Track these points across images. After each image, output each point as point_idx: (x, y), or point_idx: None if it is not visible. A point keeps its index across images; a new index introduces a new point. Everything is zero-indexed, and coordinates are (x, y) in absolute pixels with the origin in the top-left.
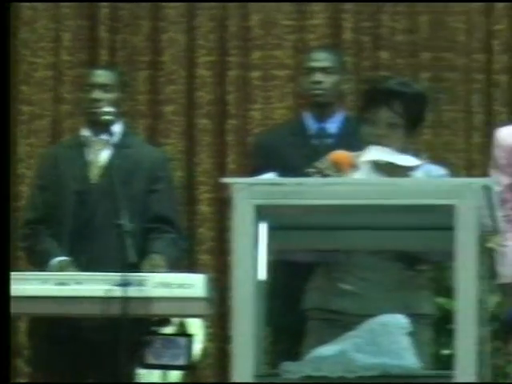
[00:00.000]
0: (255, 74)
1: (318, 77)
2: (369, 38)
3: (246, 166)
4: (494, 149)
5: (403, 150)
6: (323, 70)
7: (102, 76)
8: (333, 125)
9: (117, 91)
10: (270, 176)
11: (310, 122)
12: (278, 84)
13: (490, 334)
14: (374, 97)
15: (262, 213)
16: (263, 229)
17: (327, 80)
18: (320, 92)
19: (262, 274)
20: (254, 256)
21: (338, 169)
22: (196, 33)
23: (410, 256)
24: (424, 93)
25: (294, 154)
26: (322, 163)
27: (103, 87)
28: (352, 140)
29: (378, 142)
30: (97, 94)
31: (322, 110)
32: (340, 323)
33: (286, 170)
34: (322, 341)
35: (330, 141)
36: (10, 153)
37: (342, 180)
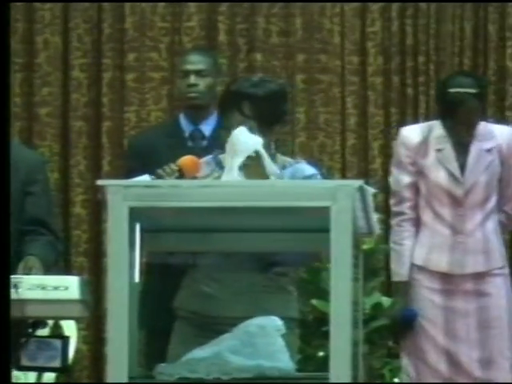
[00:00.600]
0: (130, 75)
1: (193, 79)
2: (244, 40)
3: (121, 168)
4: (398, 147)
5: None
6: (198, 72)
7: None
8: (207, 127)
9: None
10: (144, 178)
11: (185, 124)
12: (154, 86)
13: (367, 335)
14: (225, 101)
15: (136, 215)
16: (137, 231)
17: (202, 82)
18: (195, 95)
19: (137, 276)
20: (130, 258)
21: (182, 174)
22: (71, 34)
23: (268, 259)
24: (276, 90)
25: (169, 155)
26: (166, 168)
27: None
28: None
29: None
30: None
31: (197, 112)
32: (197, 323)
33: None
34: (186, 341)
35: (204, 143)
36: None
37: (217, 182)
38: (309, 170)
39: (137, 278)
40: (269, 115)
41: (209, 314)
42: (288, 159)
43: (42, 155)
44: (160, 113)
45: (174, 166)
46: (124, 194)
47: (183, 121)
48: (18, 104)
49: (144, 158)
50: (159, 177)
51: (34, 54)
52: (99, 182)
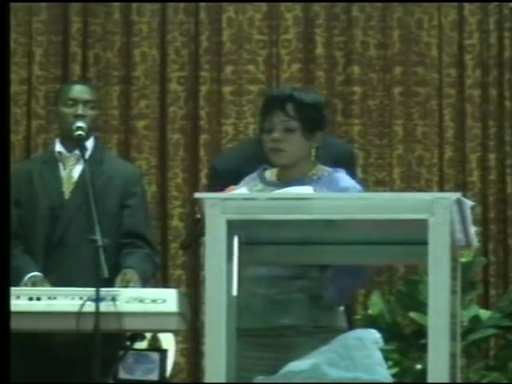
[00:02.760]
0: (228, 88)
1: None
2: (341, 53)
3: None
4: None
5: (302, 154)
6: None
7: (85, 92)
8: None
9: (98, 108)
10: (242, 190)
11: None
12: (251, 99)
13: (464, 348)
14: (268, 104)
15: (234, 227)
16: (235, 243)
17: None
18: None
19: (234, 288)
20: (227, 271)
21: None
22: (168, 47)
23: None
24: (317, 98)
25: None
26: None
27: (87, 103)
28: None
29: (276, 146)
30: (81, 110)
31: None
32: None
33: None
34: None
35: None
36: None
37: (314, 195)
38: (345, 181)
39: (235, 291)
40: (312, 120)
41: (253, 326)
42: (327, 169)
43: (139, 168)
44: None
45: None
46: (222, 207)
47: None
48: (116, 117)
49: (229, 182)
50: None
51: (131, 67)
52: (197, 195)
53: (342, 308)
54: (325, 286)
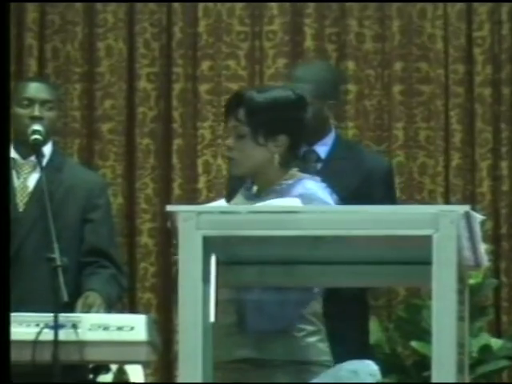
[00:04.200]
0: (204, 86)
1: None
2: (333, 46)
3: (193, 192)
4: None
5: (258, 162)
6: None
7: (42, 91)
8: (323, 148)
9: (57, 109)
10: (220, 203)
11: None
12: None
13: (473, 382)
14: (226, 109)
15: (211, 245)
16: (213, 263)
17: None
18: None
19: (212, 314)
20: (204, 294)
21: None
22: (137, 40)
23: None
24: (276, 97)
25: None
26: None
27: (44, 103)
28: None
29: (228, 155)
30: (38, 111)
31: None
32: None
33: None
34: None
35: (318, 166)
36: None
37: (303, 208)
38: (303, 187)
39: (212, 317)
40: (266, 123)
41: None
42: (299, 174)
43: (103, 177)
44: None
45: None
46: (197, 222)
47: None
48: (77, 119)
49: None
50: None
51: (94, 63)
52: (169, 208)
53: (316, 338)
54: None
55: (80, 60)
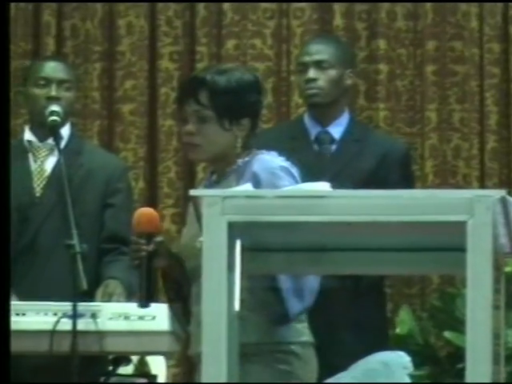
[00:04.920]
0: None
1: (312, 73)
2: (364, 25)
3: None
4: None
5: (223, 147)
6: (317, 64)
7: (60, 70)
8: (337, 128)
9: (74, 89)
10: (246, 187)
11: (311, 125)
12: None
13: (509, 374)
14: (181, 91)
15: (236, 231)
16: (238, 250)
17: (323, 76)
18: (314, 91)
19: (237, 303)
20: (228, 282)
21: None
22: (159, 17)
23: None
24: (239, 80)
25: (291, 161)
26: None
27: (61, 83)
28: (358, 147)
29: (189, 140)
30: (56, 91)
31: (325, 111)
32: None
33: None
34: None
35: (333, 147)
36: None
37: (332, 193)
38: (262, 163)
39: (237, 306)
40: (231, 107)
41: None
42: (253, 151)
43: (124, 161)
44: (264, 110)
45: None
46: (222, 207)
47: (308, 121)
48: (97, 100)
49: None
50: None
51: (115, 41)
52: (192, 193)
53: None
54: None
55: (100, 38)
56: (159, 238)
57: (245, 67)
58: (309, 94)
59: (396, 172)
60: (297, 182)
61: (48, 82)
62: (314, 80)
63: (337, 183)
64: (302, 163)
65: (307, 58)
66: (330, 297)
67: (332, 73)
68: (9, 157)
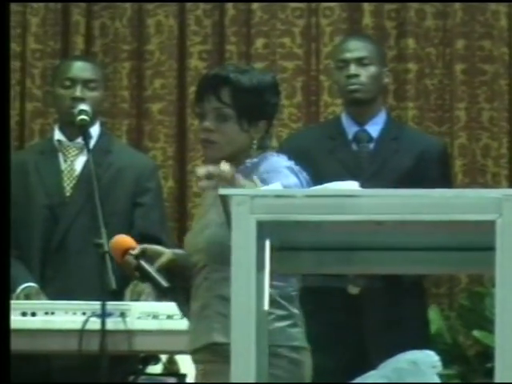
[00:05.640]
0: (257, 65)
1: (354, 69)
2: (393, 24)
3: None
4: None
5: (239, 147)
6: (359, 60)
7: (85, 70)
8: (375, 127)
9: (101, 88)
10: (276, 186)
11: (348, 124)
12: (285, 77)
13: None
14: (201, 87)
15: (265, 230)
16: (267, 249)
17: (364, 72)
18: (357, 87)
19: (266, 302)
20: (257, 282)
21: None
22: (188, 17)
23: None
24: (261, 81)
25: (329, 160)
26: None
27: (86, 83)
28: (395, 145)
29: (207, 137)
30: (80, 92)
31: (362, 109)
32: None
33: (320, 178)
34: None
35: (370, 146)
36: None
37: (362, 192)
38: (268, 164)
39: (266, 305)
40: (251, 107)
41: None
42: (265, 153)
43: (153, 160)
44: (293, 109)
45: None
46: (251, 206)
47: (346, 120)
48: (126, 99)
49: (299, 162)
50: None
51: (144, 40)
52: (221, 192)
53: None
54: None
55: (129, 37)
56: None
57: (266, 69)
58: (350, 89)
59: (434, 169)
60: (302, 185)
61: (73, 82)
62: (355, 76)
63: (375, 182)
64: (340, 162)
65: (348, 55)
66: (372, 296)
67: (372, 69)
68: (9, 157)
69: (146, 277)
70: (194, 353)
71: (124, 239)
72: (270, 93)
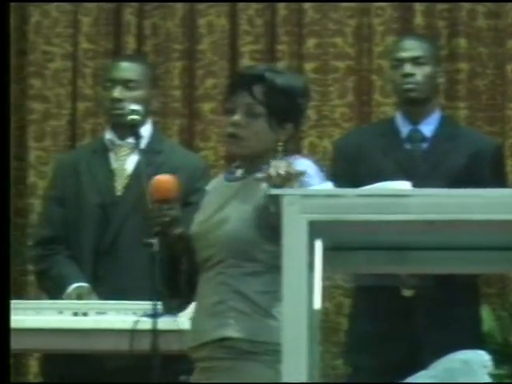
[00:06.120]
0: (310, 65)
1: (409, 68)
2: (445, 23)
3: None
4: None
5: (265, 147)
6: (414, 60)
7: (126, 70)
8: (428, 126)
9: (144, 88)
10: (327, 186)
11: (402, 123)
12: (338, 77)
13: None
14: (235, 82)
15: (316, 230)
16: (319, 249)
17: (419, 72)
18: (412, 86)
19: (318, 302)
20: (309, 281)
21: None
22: (240, 16)
23: None
24: (294, 83)
25: (382, 159)
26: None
27: (126, 83)
28: (449, 145)
29: (235, 132)
30: (118, 93)
31: (416, 108)
32: None
33: (373, 177)
34: None
35: (424, 145)
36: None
37: (413, 191)
38: (298, 162)
39: (318, 305)
40: (283, 108)
41: None
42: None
43: (204, 160)
44: (345, 109)
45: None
46: (302, 206)
47: (399, 119)
48: (178, 98)
49: (352, 161)
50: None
51: (195, 40)
52: (272, 191)
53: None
54: None
55: (180, 37)
56: (175, 209)
57: (299, 73)
58: (406, 88)
59: (488, 169)
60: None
61: (113, 83)
62: (411, 75)
63: (429, 182)
64: (394, 162)
65: (404, 54)
66: (424, 295)
67: (427, 69)
68: (9, 156)
69: (161, 243)
70: (198, 348)
71: (167, 184)
72: (301, 96)
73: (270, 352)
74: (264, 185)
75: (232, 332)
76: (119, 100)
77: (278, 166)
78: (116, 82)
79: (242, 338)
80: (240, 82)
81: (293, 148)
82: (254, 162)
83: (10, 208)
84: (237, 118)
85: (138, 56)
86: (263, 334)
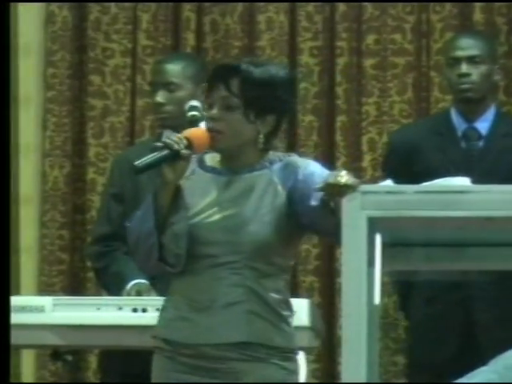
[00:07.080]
0: (369, 61)
1: (465, 68)
2: (504, 20)
3: (357, 171)
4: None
5: (244, 139)
6: (470, 59)
7: (165, 73)
8: (484, 124)
9: (185, 88)
10: (387, 183)
11: (458, 121)
12: (397, 73)
13: None
14: (212, 76)
15: (376, 226)
16: (378, 245)
17: (475, 71)
18: (468, 86)
19: (377, 298)
20: (369, 277)
21: (191, 147)
22: (299, 13)
23: None
24: (275, 74)
25: (437, 157)
26: (172, 137)
27: (166, 86)
28: (506, 142)
29: (212, 126)
30: (160, 96)
31: (472, 106)
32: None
33: (428, 175)
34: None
35: (480, 144)
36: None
37: (473, 188)
38: (302, 161)
39: (377, 300)
40: (260, 100)
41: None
42: (279, 154)
43: None
44: (404, 105)
45: (182, 136)
46: (361, 202)
47: (455, 117)
48: None
49: (407, 158)
50: (166, 145)
51: (255, 36)
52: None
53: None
54: None
55: (240, 33)
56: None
57: (281, 64)
58: (461, 88)
59: None
60: None
61: (155, 86)
62: (467, 75)
63: (486, 180)
64: (450, 160)
65: (460, 53)
66: (484, 291)
67: (483, 68)
68: (8, 156)
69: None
70: (205, 347)
71: (204, 139)
72: (282, 88)
73: (283, 357)
74: (280, 187)
75: (248, 337)
76: (162, 104)
77: (337, 175)
78: (157, 86)
79: (258, 342)
80: (217, 76)
81: (273, 141)
82: (237, 156)
83: (10, 209)
84: (214, 112)
85: (179, 56)
86: (278, 338)
